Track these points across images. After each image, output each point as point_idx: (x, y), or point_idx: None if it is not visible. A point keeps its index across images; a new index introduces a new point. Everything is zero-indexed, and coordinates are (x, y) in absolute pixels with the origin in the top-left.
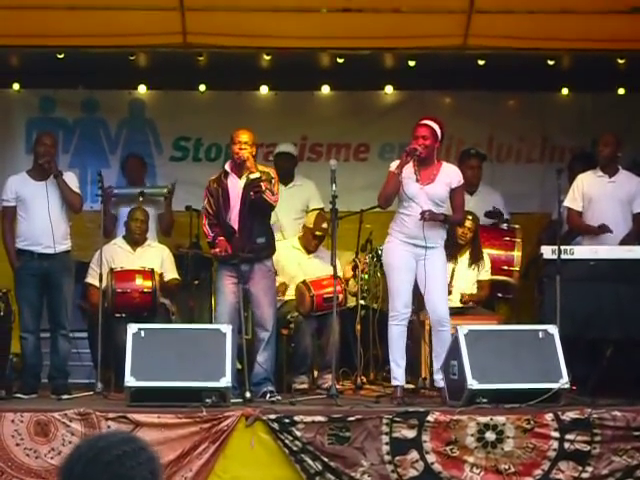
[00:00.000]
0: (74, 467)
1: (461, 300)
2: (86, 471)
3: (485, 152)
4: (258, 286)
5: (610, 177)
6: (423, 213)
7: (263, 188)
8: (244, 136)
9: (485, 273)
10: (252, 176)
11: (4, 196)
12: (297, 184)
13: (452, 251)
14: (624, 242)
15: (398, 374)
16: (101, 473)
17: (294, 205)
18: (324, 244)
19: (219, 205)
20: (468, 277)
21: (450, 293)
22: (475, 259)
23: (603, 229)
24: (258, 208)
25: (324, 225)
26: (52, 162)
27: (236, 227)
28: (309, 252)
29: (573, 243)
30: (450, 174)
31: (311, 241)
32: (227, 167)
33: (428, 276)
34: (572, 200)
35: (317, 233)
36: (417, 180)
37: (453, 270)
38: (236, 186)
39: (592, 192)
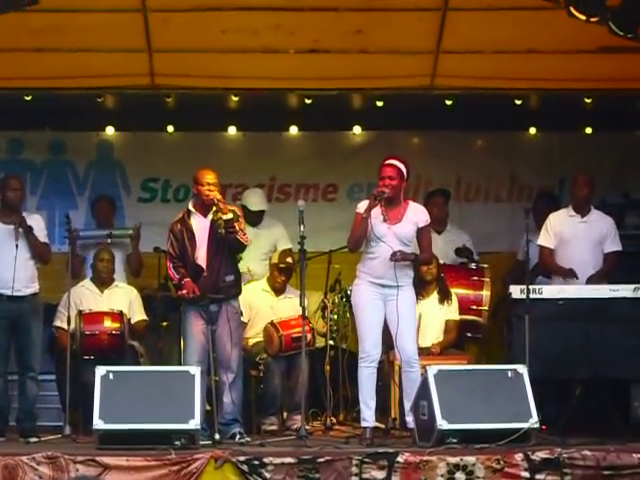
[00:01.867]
0: None
1: (432, 351)
2: None
3: (449, 189)
4: (225, 328)
5: (582, 217)
6: (394, 254)
7: (237, 229)
8: (210, 177)
9: (453, 313)
10: (226, 217)
11: None
12: (265, 225)
13: (419, 290)
14: (590, 281)
15: (367, 415)
16: None
17: (261, 246)
18: (293, 283)
19: (185, 246)
20: (437, 316)
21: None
22: (443, 297)
23: (571, 274)
24: (229, 247)
25: (288, 260)
26: (22, 218)
27: (204, 266)
28: (277, 292)
29: (536, 282)
30: (417, 213)
31: (277, 277)
32: (190, 207)
33: (399, 316)
34: (545, 238)
35: (281, 266)
36: (384, 220)
37: (420, 311)
38: (202, 225)
39: (564, 232)
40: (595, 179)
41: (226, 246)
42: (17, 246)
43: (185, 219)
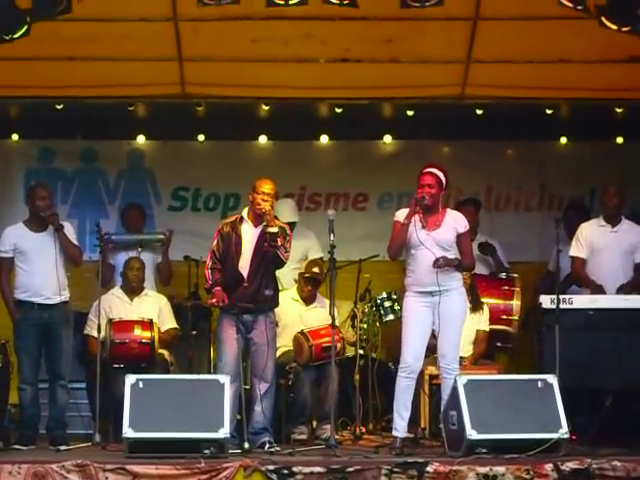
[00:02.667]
0: None
1: (461, 364)
2: None
3: (480, 199)
4: (262, 337)
5: (613, 227)
6: (437, 260)
7: (279, 244)
8: (267, 187)
9: (484, 324)
10: (271, 230)
11: (1, 247)
12: (296, 235)
13: None
14: (621, 291)
15: (400, 426)
16: None
17: (293, 256)
18: (323, 292)
19: (229, 250)
20: (468, 325)
21: None
22: (475, 307)
23: (599, 290)
24: (269, 261)
25: (315, 269)
26: (55, 216)
27: (245, 275)
28: (307, 302)
29: (569, 291)
30: (456, 220)
31: (303, 287)
32: (244, 214)
33: (442, 322)
34: (576, 249)
35: (307, 275)
36: (423, 227)
37: None
38: (250, 234)
39: (595, 242)
40: (626, 189)
41: (270, 259)
42: (49, 254)
43: (236, 224)
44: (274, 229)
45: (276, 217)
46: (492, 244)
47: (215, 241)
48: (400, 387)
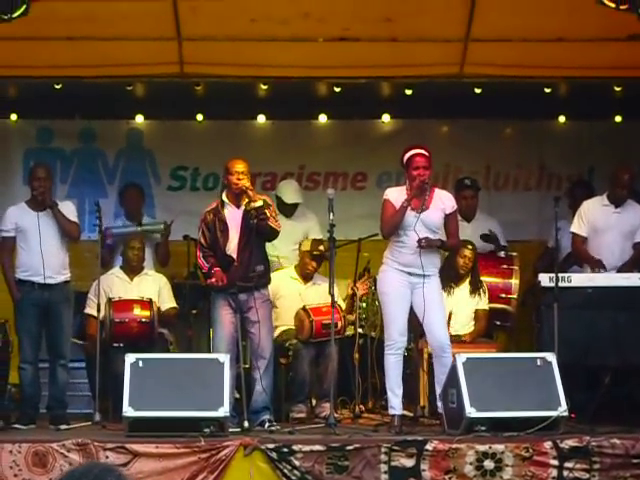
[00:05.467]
0: None
1: (462, 337)
2: None
3: (479, 182)
4: (257, 315)
5: (616, 207)
6: (420, 240)
7: (268, 215)
8: (240, 166)
9: (483, 303)
10: (255, 204)
11: (3, 227)
12: (298, 215)
13: (452, 281)
14: (621, 270)
15: (395, 403)
16: None
17: (294, 236)
18: (322, 271)
19: (216, 236)
20: (467, 305)
21: (449, 321)
22: (475, 288)
23: (599, 264)
24: (261, 236)
25: (321, 247)
26: (46, 194)
27: (235, 256)
28: (306, 280)
29: (570, 270)
30: (444, 200)
31: (308, 264)
32: (224, 197)
33: (427, 304)
34: (578, 226)
35: (315, 253)
36: (412, 208)
37: (450, 300)
38: (235, 216)
39: (597, 222)
40: None
41: (256, 236)
42: (48, 233)
43: (218, 209)
44: (259, 202)
45: (280, 199)
46: (494, 233)
47: (200, 232)
48: (389, 364)
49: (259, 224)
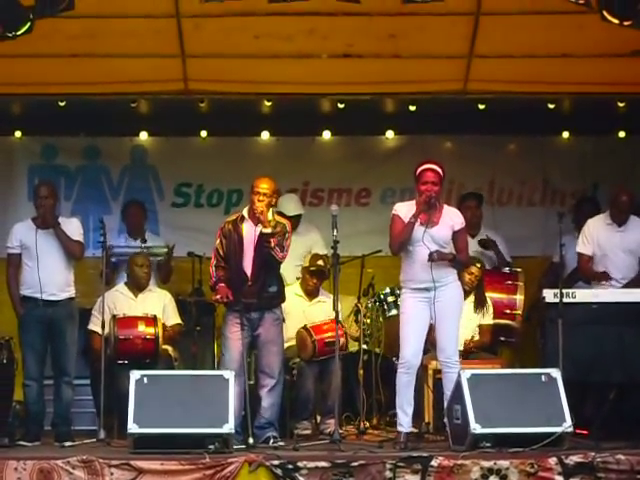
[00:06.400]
0: None
1: (464, 347)
2: None
3: (482, 193)
4: (268, 334)
5: (619, 226)
6: (431, 254)
7: (272, 245)
8: (264, 186)
9: (487, 317)
10: (264, 231)
11: (9, 244)
12: (301, 231)
13: None
14: (628, 287)
15: (404, 421)
16: None
17: (297, 252)
18: (326, 288)
19: (231, 249)
20: (472, 322)
21: None
22: (480, 304)
23: (605, 277)
24: (267, 259)
25: (319, 262)
26: (48, 214)
27: (249, 273)
28: (310, 296)
29: (575, 286)
30: (453, 216)
31: (309, 280)
32: (244, 212)
33: (439, 317)
34: (583, 246)
35: (312, 269)
36: (421, 224)
37: None
38: (251, 233)
39: (601, 241)
40: (628, 183)
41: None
42: (53, 250)
43: (237, 223)
44: (267, 230)
45: (281, 213)
46: (492, 239)
47: (218, 240)
48: (401, 383)
49: (265, 248)
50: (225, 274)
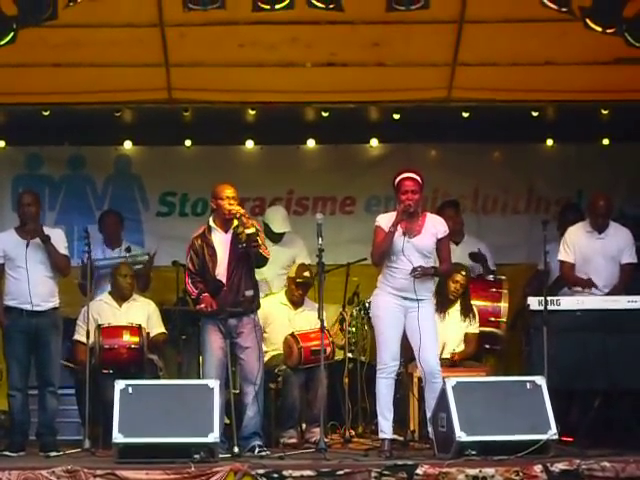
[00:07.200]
0: None
1: (451, 358)
2: None
3: (467, 206)
4: (247, 340)
5: (599, 233)
6: (414, 270)
7: (260, 242)
8: (230, 191)
9: (474, 326)
10: (248, 231)
11: None
12: (285, 241)
13: (443, 305)
14: (611, 294)
15: (385, 427)
16: None
17: (281, 261)
18: (311, 297)
19: (205, 262)
20: (458, 330)
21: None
22: (466, 312)
23: (590, 284)
24: (250, 261)
25: (306, 274)
26: (38, 228)
27: (224, 281)
28: (295, 305)
29: (560, 294)
30: (436, 225)
31: (294, 291)
32: (211, 222)
33: (421, 330)
34: (565, 254)
35: (299, 280)
36: (404, 233)
37: (441, 323)
38: (222, 241)
39: (582, 248)
40: (612, 191)
41: (246, 261)
42: (37, 261)
43: (206, 235)
44: (251, 230)
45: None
46: (483, 254)
47: (188, 257)
48: (380, 388)
49: (250, 251)
50: (204, 287)
